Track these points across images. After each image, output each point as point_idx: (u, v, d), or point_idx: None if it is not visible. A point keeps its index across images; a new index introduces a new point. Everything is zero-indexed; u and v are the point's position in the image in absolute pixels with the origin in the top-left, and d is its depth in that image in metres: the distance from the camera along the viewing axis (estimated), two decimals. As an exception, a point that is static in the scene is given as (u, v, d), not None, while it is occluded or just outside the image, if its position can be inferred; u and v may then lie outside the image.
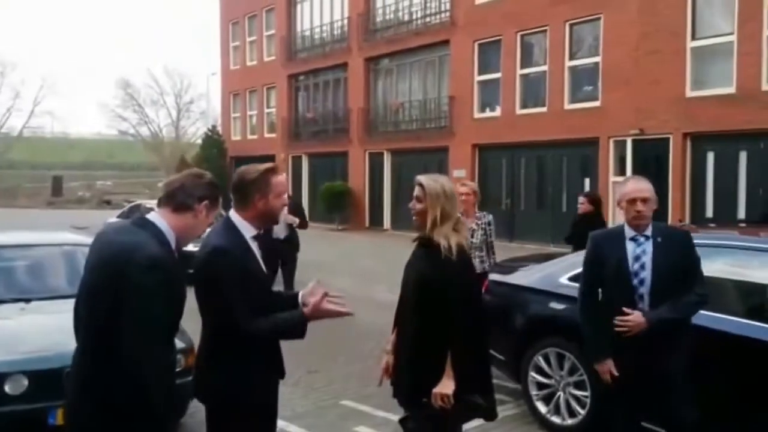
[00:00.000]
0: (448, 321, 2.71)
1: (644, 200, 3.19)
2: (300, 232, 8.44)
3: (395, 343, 2.98)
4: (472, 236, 5.32)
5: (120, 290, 2.02)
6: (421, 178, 2.83)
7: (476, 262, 4.99)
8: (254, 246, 2.54)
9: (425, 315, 2.76)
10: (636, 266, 3.20)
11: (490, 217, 5.63)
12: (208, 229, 2.47)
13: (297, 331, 2.43)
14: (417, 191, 2.83)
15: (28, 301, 4.47)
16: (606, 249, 3.32)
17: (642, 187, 3.25)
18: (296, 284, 10.35)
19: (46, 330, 4.01)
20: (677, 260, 3.20)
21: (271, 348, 2.54)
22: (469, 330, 2.74)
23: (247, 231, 2.51)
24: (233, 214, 2.55)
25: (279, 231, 7.88)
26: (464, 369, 2.71)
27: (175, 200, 2.23)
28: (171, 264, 2.13)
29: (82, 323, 2.18)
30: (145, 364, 2.02)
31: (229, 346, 2.39)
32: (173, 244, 2.21)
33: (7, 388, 3.52)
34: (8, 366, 3.56)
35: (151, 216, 2.24)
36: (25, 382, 3.55)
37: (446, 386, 2.69)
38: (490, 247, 5.58)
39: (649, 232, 3.25)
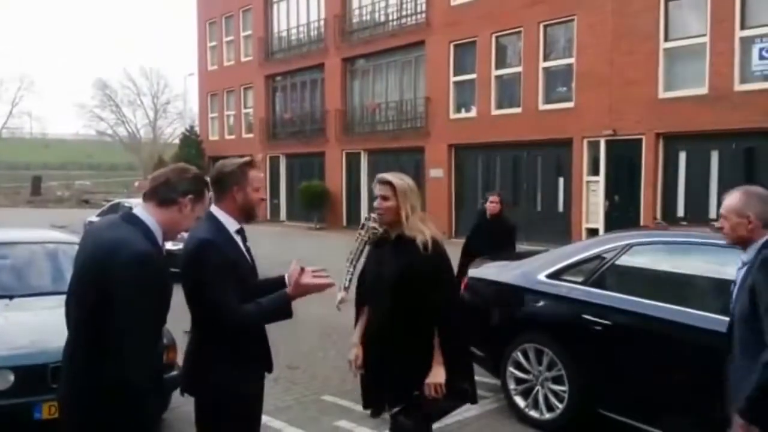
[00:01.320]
0: (434, 312, 2.74)
1: (724, 217, 2.69)
2: (279, 231, 8.44)
3: (362, 337, 2.97)
4: None
5: (107, 285, 2.03)
6: (388, 177, 2.85)
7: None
8: (238, 239, 2.57)
9: (408, 311, 2.75)
10: (733, 297, 2.69)
11: None
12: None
13: (284, 311, 2.46)
14: (383, 190, 2.83)
15: (11, 297, 4.46)
16: None
17: (724, 202, 2.72)
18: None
19: (31, 326, 4.03)
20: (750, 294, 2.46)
21: (259, 340, 2.56)
22: (455, 318, 2.81)
23: (231, 225, 2.54)
24: (215, 209, 2.58)
25: None
26: (454, 357, 2.76)
27: (159, 195, 2.23)
28: (157, 259, 2.13)
29: (71, 316, 2.18)
30: (133, 357, 2.03)
31: (218, 338, 2.42)
32: (160, 239, 2.22)
33: None
34: None
35: (137, 211, 2.24)
36: (12, 377, 3.58)
37: (438, 375, 2.73)
38: None
39: (748, 255, 2.61)
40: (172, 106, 55.05)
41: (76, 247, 4.96)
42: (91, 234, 2.25)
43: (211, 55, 27.72)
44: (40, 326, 4.01)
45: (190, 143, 26.81)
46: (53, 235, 5.77)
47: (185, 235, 2.50)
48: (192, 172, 2.34)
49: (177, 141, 32.30)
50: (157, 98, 55.07)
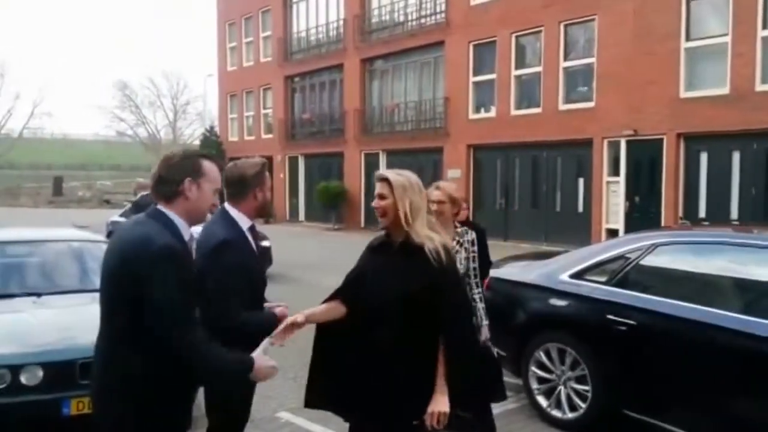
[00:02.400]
0: (441, 333, 2.44)
1: None
2: (297, 232, 8.47)
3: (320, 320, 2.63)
4: None
5: (135, 280, 2.06)
6: (384, 173, 2.55)
7: None
8: (250, 237, 2.71)
9: (414, 331, 2.46)
10: None
11: (474, 235, 3.81)
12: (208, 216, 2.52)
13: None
14: (380, 187, 2.53)
15: (39, 295, 4.54)
16: None
17: None
18: (288, 282, 10.42)
19: (59, 323, 4.10)
20: None
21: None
22: (464, 342, 2.50)
23: (244, 223, 2.68)
24: (229, 207, 2.68)
25: None
26: (460, 384, 2.46)
27: (161, 193, 2.24)
28: (182, 252, 2.16)
29: (102, 311, 2.22)
30: (182, 346, 2.07)
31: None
32: (185, 233, 2.23)
33: (23, 379, 3.60)
34: (24, 358, 3.65)
35: (163, 208, 2.27)
36: (41, 373, 3.63)
37: (441, 403, 2.42)
38: (473, 275, 3.80)
39: None
40: (191, 107, 55.66)
41: (101, 245, 5.11)
42: (119, 232, 2.30)
43: (230, 56, 27.95)
44: (67, 323, 4.09)
45: (210, 144, 27.04)
46: (77, 234, 5.88)
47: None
48: (177, 156, 2.29)
49: (197, 142, 32.63)
50: (177, 99, 55.71)
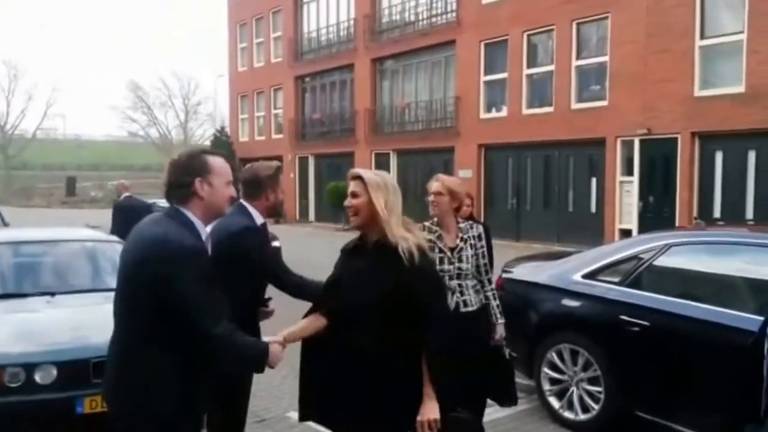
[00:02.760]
0: (421, 337, 2.35)
1: None
2: (306, 232, 8.47)
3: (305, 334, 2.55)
4: (459, 259, 3.53)
5: (155, 279, 2.07)
6: (358, 171, 2.49)
7: (470, 293, 3.54)
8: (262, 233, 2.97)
9: (393, 333, 2.36)
10: None
11: (481, 228, 3.71)
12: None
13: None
14: (353, 185, 2.45)
15: (52, 294, 4.57)
16: None
17: None
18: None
19: (72, 322, 4.13)
20: None
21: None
22: (444, 343, 2.40)
23: (258, 219, 2.93)
24: (245, 203, 2.93)
25: None
26: (445, 386, 2.37)
27: (174, 197, 2.26)
28: (201, 250, 2.19)
29: (117, 310, 2.23)
30: (212, 338, 2.10)
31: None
32: (202, 232, 2.26)
33: (37, 378, 3.63)
34: (38, 356, 3.68)
35: (181, 208, 2.28)
36: (55, 372, 3.66)
37: (432, 410, 2.33)
38: (483, 271, 3.65)
39: None
40: (202, 108, 55.94)
41: (115, 245, 5.14)
42: (136, 230, 2.31)
43: (241, 57, 28.08)
44: (80, 322, 4.12)
45: (221, 144, 27.17)
46: (91, 234, 5.92)
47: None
48: (182, 158, 2.31)
49: (207, 142, 32.80)
50: (188, 100, 56.01)
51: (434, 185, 3.54)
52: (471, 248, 3.55)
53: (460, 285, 3.52)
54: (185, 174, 2.24)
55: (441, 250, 3.49)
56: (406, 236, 2.39)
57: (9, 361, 3.60)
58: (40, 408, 3.60)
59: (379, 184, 2.42)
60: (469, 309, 3.52)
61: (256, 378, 3.12)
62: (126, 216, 7.69)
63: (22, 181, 46.97)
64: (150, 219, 2.33)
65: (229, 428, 2.96)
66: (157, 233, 2.16)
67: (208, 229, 2.87)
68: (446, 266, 3.49)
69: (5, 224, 9.01)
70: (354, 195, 2.44)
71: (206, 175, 2.25)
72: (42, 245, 5.27)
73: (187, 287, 2.07)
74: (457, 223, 3.59)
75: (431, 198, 3.55)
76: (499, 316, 3.63)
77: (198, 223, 2.25)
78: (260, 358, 2.22)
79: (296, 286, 2.98)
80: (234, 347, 2.16)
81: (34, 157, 56.40)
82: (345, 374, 2.44)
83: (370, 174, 2.45)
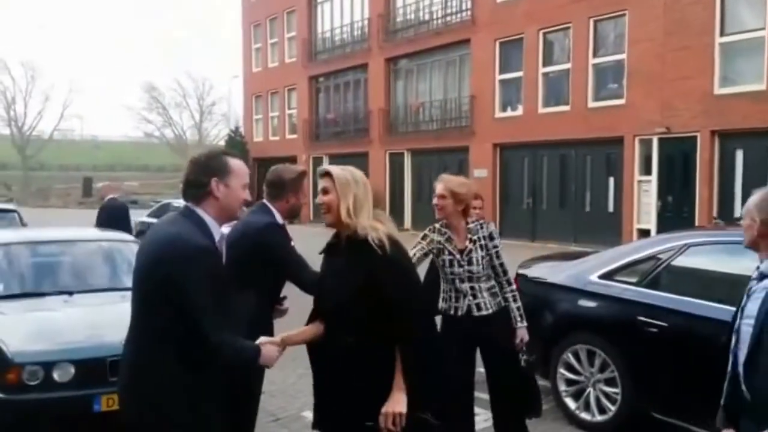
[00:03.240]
0: (395, 329, 2.29)
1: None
2: (321, 232, 8.50)
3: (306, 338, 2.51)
4: (469, 262, 3.43)
5: (167, 280, 2.08)
6: (327, 167, 2.47)
7: (484, 296, 3.41)
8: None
9: (372, 328, 2.32)
10: (739, 308, 2.42)
11: (492, 227, 3.56)
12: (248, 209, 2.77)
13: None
14: (323, 182, 2.44)
15: (70, 293, 4.62)
16: None
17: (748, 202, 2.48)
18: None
19: (90, 321, 4.17)
20: None
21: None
22: (421, 338, 2.33)
23: (279, 219, 3.03)
24: (268, 203, 3.02)
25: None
26: (417, 383, 2.28)
27: (191, 195, 2.27)
28: (213, 252, 2.19)
29: (132, 310, 2.25)
30: (214, 343, 2.11)
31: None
32: (215, 232, 2.26)
33: (55, 376, 3.67)
34: (57, 355, 3.72)
35: (195, 208, 2.28)
36: (72, 370, 3.70)
37: (398, 403, 2.26)
38: (501, 272, 3.52)
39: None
40: (217, 108, 56.30)
41: (130, 245, 5.18)
42: (152, 230, 2.33)
43: (255, 57, 28.21)
44: (98, 321, 4.16)
45: (235, 145, 27.32)
46: (108, 234, 5.98)
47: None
48: (202, 157, 2.32)
49: (222, 142, 33.00)
50: (203, 100, 56.39)
51: (437, 188, 3.44)
52: (481, 249, 3.43)
53: (472, 288, 3.42)
54: (203, 173, 2.25)
55: (450, 253, 3.42)
56: (376, 226, 2.34)
57: (28, 359, 3.65)
58: (58, 405, 3.65)
59: (347, 181, 2.39)
60: (483, 313, 3.42)
61: (271, 377, 3.13)
62: (108, 216, 8.28)
63: (39, 182, 47.65)
64: (166, 219, 2.35)
65: (240, 427, 2.96)
66: (171, 233, 2.18)
67: (225, 229, 2.90)
68: (456, 269, 3.42)
69: (23, 224, 9.13)
70: (325, 192, 2.42)
71: (224, 177, 2.25)
72: (60, 245, 5.33)
73: (192, 287, 2.08)
74: (467, 224, 3.48)
75: (434, 201, 3.45)
76: (519, 318, 3.49)
77: (212, 223, 2.26)
78: (250, 361, 2.25)
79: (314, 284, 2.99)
80: (229, 349, 2.17)
81: (52, 157, 57.21)
82: (334, 374, 2.40)
83: (337, 170, 2.42)
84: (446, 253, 3.42)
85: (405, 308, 2.31)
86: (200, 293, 2.08)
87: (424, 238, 3.54)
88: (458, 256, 3.42)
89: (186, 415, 2.14)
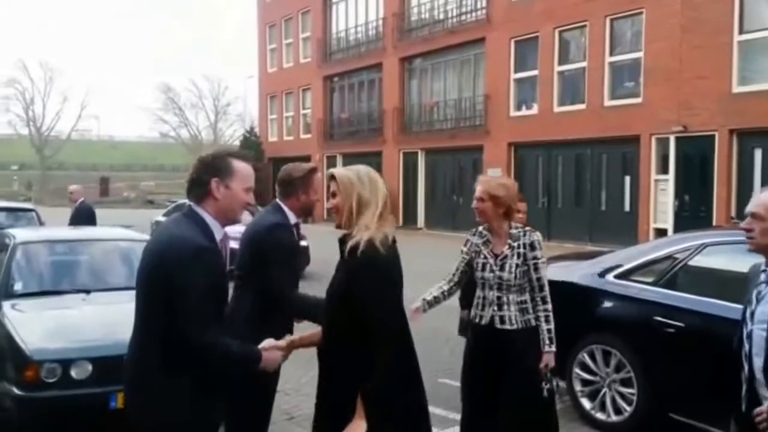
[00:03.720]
0: (363, 344, 2.13)
1: (754, 215, 2.36)
2: (333, 231, 8.47)
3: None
4: (501, 268, 3.20)
5: (167, 280, 2.09)
6: (332, 171, 2.36)
7: (511, 309, 3.18)
8: (295, 232, 3.06)
9: (338, 339, 2.22)
10: (748, 312, 2.32)
11: (536, 237, 3.25)
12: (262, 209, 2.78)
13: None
14: (331, 186, 2.33)
15: (88, 292, 4.67)
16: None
17: (754, 200, 2.41)
18: (326, 280, 10.44)
19: (107, 319, 4.21)
20: None
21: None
22: (389, 362, 2.11)
23: (291, 218, 3.03)
24: (280, 202, 3.03)
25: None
26: (380, 409, 2.10)
27: (193, 194, 2.27)
28: (212, 253, 2.18)
29: (138, 309, 2.27)
30: (199, 346, 2.10)
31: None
32: (217, 232, 2.25)
33: (73, 373, 3.72)
34: (74, 352, 3.77)
35: (197, 208, 2.28)
36: (90, 367, 3.75)
37: (357, 428, 2.11)
38: (537, 287, 3.23)
39: None
40: (232, 108, 56.64)
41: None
42: (157, 231, 2.35)
43: (270, 58, 28.35)
44: (115, 319, 4.17)
45: (250, 144, 27.47)
46: (125, 233, 6.02)
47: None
48: (207, 158, 2.30)
49: (237, 142, 33.18)
50: (218, 101, 56.77)
51: (476, 190, 3.24)
52: (518, 257, 3.18)
53: (499, 298, 3.20)
54: (205, 173, 2.23)
55: (485, 257, 3.25)
56: (370, 227, 2.17)
57: (46, 356, 3.69)
58: (75, 403, 3.69)
59: (351, 181, 2.26)
60: (506, 327, 3.17)
61: (286, 376, 3.15)
62: (79, 217, 8.59)
63: (57, 182, 48.25)
64: (170, 219, 2.35)
65: (254, 425, 2.98)
66: (172, 234, 2.19)
67: (240, 228, 2.95)
68: (487, 274, 3.23)
69: (41, 223, 9.25)
70: (333, 195, 2.34)
71: (225, 178, 2.22)
72: (78, 244, 5.39)
73: (188, 289, 2.07)
74: (510, 228, 3.25)
75: (473, 204, 3.27)
76: (548, 342, 3.19)
77: (214, 224, 2.24)
78: (247, 365, 2.24)
79: (284, 298, 2.92)
80: (221, 353, 2.15)
81: (69, 157, 58.03)
82: (321, 376, 2.35)
83: (341, 171, 2.32)
84: (481, 256, 3.26)
85: (373, 321, 2.13)
86: (194, 296, 2.07)
87: (466, 243, 3.40)
88: (492, 261, 3.23)
89: (186, 413, 2.14)
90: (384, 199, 2.25)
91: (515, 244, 3.21)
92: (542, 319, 3.21)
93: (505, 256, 3.20)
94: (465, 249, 3.38)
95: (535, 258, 3.19)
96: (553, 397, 3.28)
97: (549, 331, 3.20)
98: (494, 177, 3.35)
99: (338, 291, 2.23)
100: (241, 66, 70.80)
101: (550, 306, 3.23)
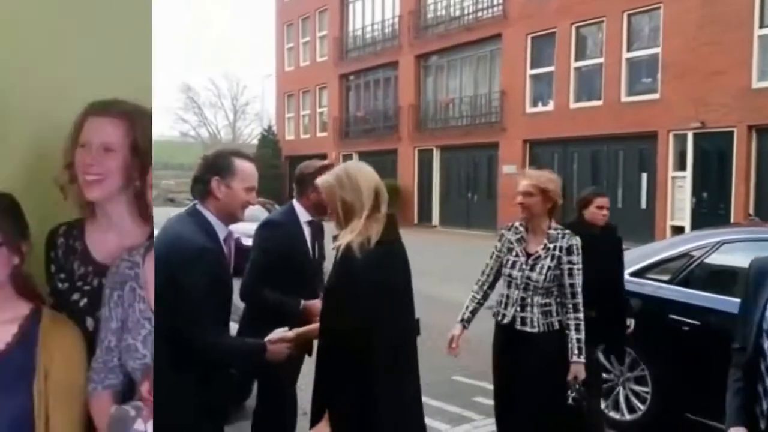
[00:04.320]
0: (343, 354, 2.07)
1: None
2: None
3: None
4: (531, 268, 3.05)
5: (169, 280, 2.08)
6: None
7: (534, 312, 3.03)
8: (307, 230, 3.05)
9: (327, 351, 2.16)
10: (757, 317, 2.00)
11: (575, 241, 3.05)
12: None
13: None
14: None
15: None
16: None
17: None
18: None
19: None
20: None
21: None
22: (361, 368, 2.03)
23: (303, 216, 3.04)
24: (295, 202, 3.07)
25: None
26: (346, 417, 2.05)
27: (196, 191, 2.29)
28: (214, 253, 2.18)
29: None
30: (200, 346, 2.12)
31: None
32: (220, 231, 2.26)
33: None
34: None
35: (200, 206, 2.30)
36: None
37: (322, 427, 2.08)
38: (569, 293, 3.03)
39: None
40: (250, 108, 56.99)
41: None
42: (161, 230, 2.36)
43: (287, 57, 28.47)
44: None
45: (268, 143, 27.64)
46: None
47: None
48: (210, 156, 2.32)
49: (255, 141, 33.35)
50: (237, 100, 57.16)
51: (522, 184, 3.04)
52: (552, 259, 3.00)
53: (523, 299, 3.05)
54: (207, 171, 2.25)
55: (517, 254, 3.09)
56: (354, 230, 2.10)
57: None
58: None
59: (331, 185, 2.19)
60: (527, 329, 3.03)
61: (302, 371, 3.17)
62: None
63: (78, 180, 48.96)
64: (174, 218, 2.37)
65: (272, 418, 3.02)
66: (174, 234, 2.19)
67: (252, 225, 3.01)
68: (515, 272, 3.07)
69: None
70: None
71: (226, 177, 2.22)
72: None
73: (189, 290, 2.07)
74: (549, 227, 3.07)
75: (519, 199, 3.07)
76: (577, 352, 2.96)
77: (216, 223, 2.24)
78: (251, 358, 2.28)
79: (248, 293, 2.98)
80: (223, 352, 2.17)
81: (91, 156, 58.61)
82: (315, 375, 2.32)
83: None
84: (513, 253, 3.10)
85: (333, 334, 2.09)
86: (195, 297, 2.08)
87: (500, 239, 3.23)
88: (523, 259, 3.07)
89: (189, 415, 2.14)
90: (371, 195, 2.13)
91: (551, 246, 3.04)
92: (572, 327, 3.00)
93: (538, 257, 3.04)
94: (498, 245, 3.22)
95: (570, 263, 3.01)
96: (581, 408, 3.03)
97: (579, 340, 2.98)
98: (541, 171, 3.16)
99: (328, 289, 2.22)
100: (259, 65, 71.23)
101: (582, 315, 3.02)
